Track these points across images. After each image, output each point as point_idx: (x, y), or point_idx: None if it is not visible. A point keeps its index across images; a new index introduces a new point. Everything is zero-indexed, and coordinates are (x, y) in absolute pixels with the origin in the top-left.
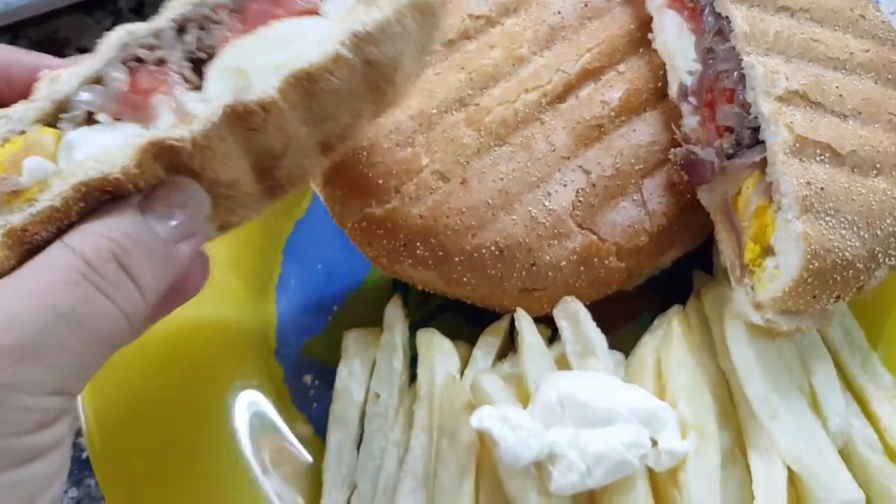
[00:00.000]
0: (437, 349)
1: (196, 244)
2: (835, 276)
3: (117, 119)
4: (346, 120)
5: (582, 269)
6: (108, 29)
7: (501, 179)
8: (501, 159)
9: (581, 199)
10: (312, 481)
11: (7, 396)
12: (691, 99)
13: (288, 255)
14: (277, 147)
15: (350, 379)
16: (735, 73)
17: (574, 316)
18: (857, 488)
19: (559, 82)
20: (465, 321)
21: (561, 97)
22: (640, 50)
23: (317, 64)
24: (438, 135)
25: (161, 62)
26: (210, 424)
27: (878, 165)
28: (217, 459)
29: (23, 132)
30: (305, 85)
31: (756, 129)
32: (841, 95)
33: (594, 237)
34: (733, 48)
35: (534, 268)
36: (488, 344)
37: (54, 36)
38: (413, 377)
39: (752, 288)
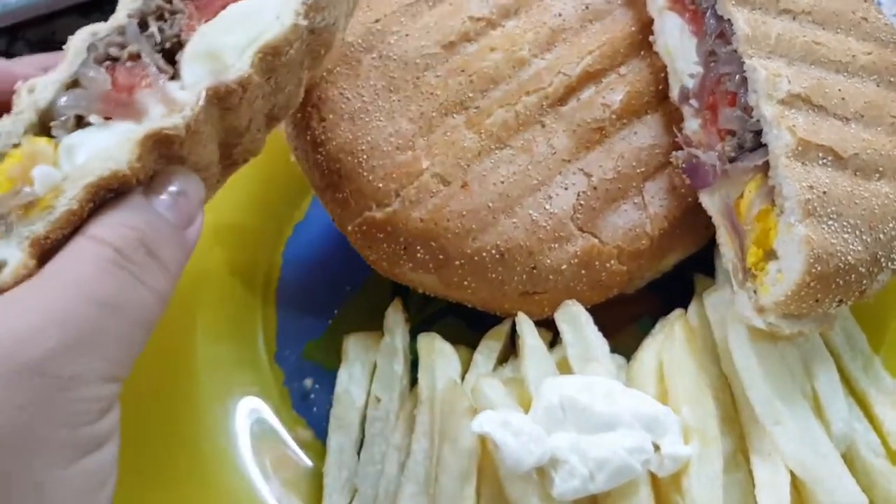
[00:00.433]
0: (438, 353)
1: (198, 228)
2: (837, 280)
3: (108, 118)
4: (291, 89)
5: (583, 272)
6: None
7: (502, 182)
8: (502, 162)
9: (582, 202)
10: (313, 486)
11: (75, 390)
12: (693, 102)
13: (287, 258)
14: (243, 124)
15: (350, 383)
16: (737, 76)
17: (575, 319)
18: (860, 493)
19: (560, 85)
20: (466, 325)
21: (562, 100)
22: (642, 52)
23: (280, 36)
24: (439, 138)
25: (135, 57)
26: (210, 429)
27: (880, 169)
28: (217, 465)
29: (17, 144)
30: (269, 59)
31: (758, 133)
32: (843, 98)
33: (595, 240)
34: (735, 51)
35: (535, 271)
36: (489, 348)
37: (52, 38)
38: (414, 381)
39: (755, 292)
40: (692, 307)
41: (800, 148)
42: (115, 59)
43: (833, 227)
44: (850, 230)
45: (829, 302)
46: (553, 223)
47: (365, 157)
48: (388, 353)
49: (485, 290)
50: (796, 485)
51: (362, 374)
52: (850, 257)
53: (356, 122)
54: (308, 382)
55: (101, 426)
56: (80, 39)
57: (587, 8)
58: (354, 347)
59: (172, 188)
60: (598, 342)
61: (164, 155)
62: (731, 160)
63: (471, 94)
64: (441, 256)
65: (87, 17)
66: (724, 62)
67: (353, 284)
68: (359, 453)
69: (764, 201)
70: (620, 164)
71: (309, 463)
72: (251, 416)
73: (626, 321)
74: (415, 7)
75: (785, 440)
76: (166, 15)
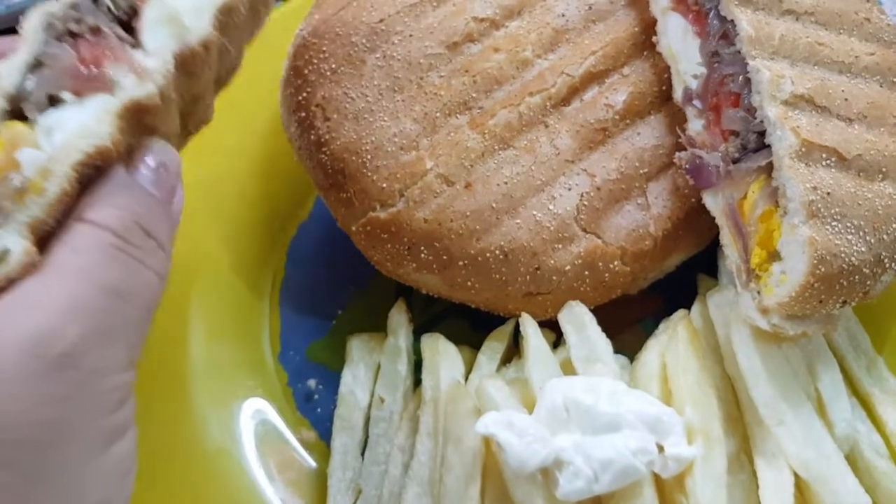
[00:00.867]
0: (442, 354)
1: (181, 200)
2: (841, 281)
3: (79, 94)
4: (236, 52)
5: (586, 273)
6: None
7: (506, 183)
8: (506, 163)
9: (586, 202)
10: (317, 486)
11: (102, 381)
12: (696, 102)
13: (291, 258)
14: (199, 90)
15: (354, 383)
16: (740, 77)
17: (579, 320)
18: (863, 493)
19: (563, 85)
20: (470, 325)
21: (565, 100)
22: (645, 53)
23: None
24: (442, 138)
25: (96, 30)
26: (214, 430)
27: (883, 170)
28: (221, 466)
29: None
30: (223, 19)
31: (762, 134)
32: (846, 99)
33: (599, 241)
34: (738, 52)
35: (538, 272)
36: (493, 349)
37: None
38: (417, 382)
39: (758, 293)
40: (695, 308)
41: (803, 149)
42: (74, 35)
43: (837, 229)
44: (853, 231)
45: (833, 303)
46: (556, 224)
47: (369, 157)
48: (392, 353)
49: (488, 291)
50: (800, 485)
51: (366, 374)
52: (853, 258)
53: (360, 122)
54: (312, 383)
55: (124, 413)
56: (36, 18)
57: (590, 9)
58: (358, 348)
59: (151, 162)
60: (601, 343)
61: (138, 127)
62: (735, 161)
63: (474, 95)
64: (445, 257)
65: None
66: (727, 63)
67: (356, 285)
68: (363, 454)
69: (767, 202)
70: (624, 164)
71: (313, 464)
72: (255, 417)
73: (629, 322)
74: (419, 8)
75: (788, 441)
76: None
